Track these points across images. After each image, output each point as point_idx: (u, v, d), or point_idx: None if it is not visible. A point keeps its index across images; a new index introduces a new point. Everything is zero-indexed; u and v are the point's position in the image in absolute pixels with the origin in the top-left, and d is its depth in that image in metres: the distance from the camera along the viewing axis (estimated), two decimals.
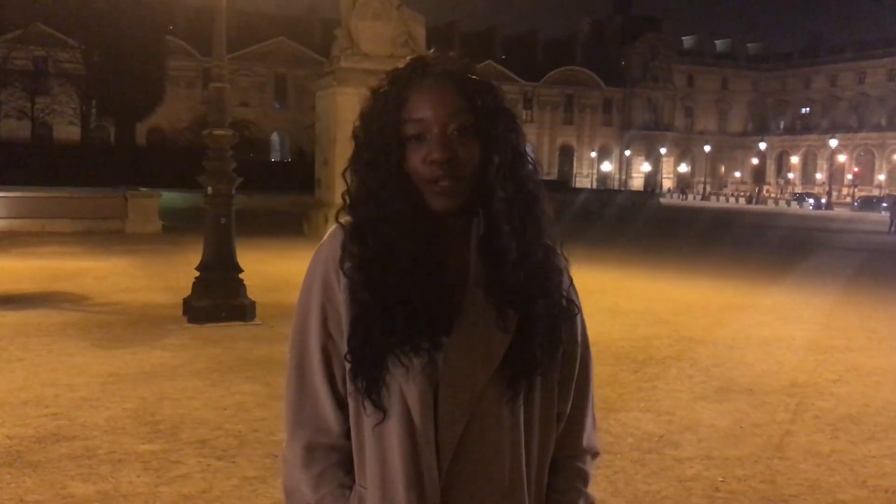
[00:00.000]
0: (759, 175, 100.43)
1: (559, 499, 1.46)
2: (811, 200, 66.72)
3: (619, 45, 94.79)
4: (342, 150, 17.14)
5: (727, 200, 77.78)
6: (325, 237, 1.42)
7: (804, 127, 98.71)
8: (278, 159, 69.78)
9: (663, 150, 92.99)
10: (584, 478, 1.50)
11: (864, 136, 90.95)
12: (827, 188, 74.27)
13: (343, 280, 1.34)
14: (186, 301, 8.95)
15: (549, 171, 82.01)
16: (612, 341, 8.33)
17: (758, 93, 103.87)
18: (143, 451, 4.79)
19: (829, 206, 63.48)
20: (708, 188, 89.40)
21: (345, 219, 1.38)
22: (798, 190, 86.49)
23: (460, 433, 1.30)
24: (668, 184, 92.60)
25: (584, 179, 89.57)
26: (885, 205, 52.16)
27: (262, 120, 70.42)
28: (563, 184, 65.77)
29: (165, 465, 4.56)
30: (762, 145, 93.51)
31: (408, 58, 1.38)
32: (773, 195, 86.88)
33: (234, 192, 9.16)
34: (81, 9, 41.71)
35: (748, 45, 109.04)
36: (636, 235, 25.16)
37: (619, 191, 67.01)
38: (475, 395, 1.31)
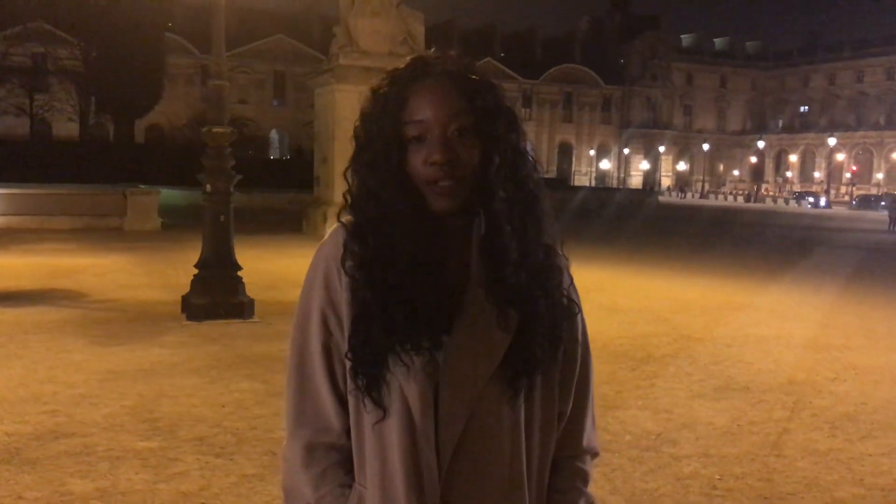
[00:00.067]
0: (757, 173, 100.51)
1: (560, 499, 1.46)
2: (811, 199, 66.74)
3: (618, 43, 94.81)
4: (341, 148, 17.16)
5: (725, 199, 77.86)
6: (326, 236, 1.43)
7: (803, 125, 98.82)
8: (277, 157, 69.72)
9: (662, 149, 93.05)
10: (584, 478, 1.50)
11: (862, 135, 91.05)
12: (825, 187, 74.36)
13: (344, 278, 1.35)
14: (185, 298, 8.95)
15: (548, 169, 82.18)
16: (610, 339, 8.33)
17: (756, 91, 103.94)
18: (141, 448, 4.79)
19: (827, 204, 63.53)
20: (706, 186, 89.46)
21: (346, 218, 1.39)
22: (797, 188, 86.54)
23: (460, 432, 1.30)
24: (666, 182, 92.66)
25: (582, 177, 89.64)
26: (883, 203, 52.23)
27: (261, 117, 70.36)
28: (561, 182, 65.79)
29: (164, 463, 4.57)
30: (761, 144, 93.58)
31: (408, 58, 1.38)
32: (771, 194, 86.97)
33: (232, 189, 9.15)
34: (80, 6, 41.69)
35: (747, 43, 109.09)
36: (635, 233, 25.18)
37: (617, 189, 67.03)
38: (475, 394, 1.31)
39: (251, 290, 9.16)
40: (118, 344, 7.49)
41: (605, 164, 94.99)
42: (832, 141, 71.37)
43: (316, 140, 20.88)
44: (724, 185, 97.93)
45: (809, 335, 9.30)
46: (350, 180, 1.38)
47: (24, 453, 4.63)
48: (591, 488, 1.52)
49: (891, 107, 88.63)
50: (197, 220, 11.01)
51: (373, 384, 1.31)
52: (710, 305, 11.31)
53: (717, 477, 4.71)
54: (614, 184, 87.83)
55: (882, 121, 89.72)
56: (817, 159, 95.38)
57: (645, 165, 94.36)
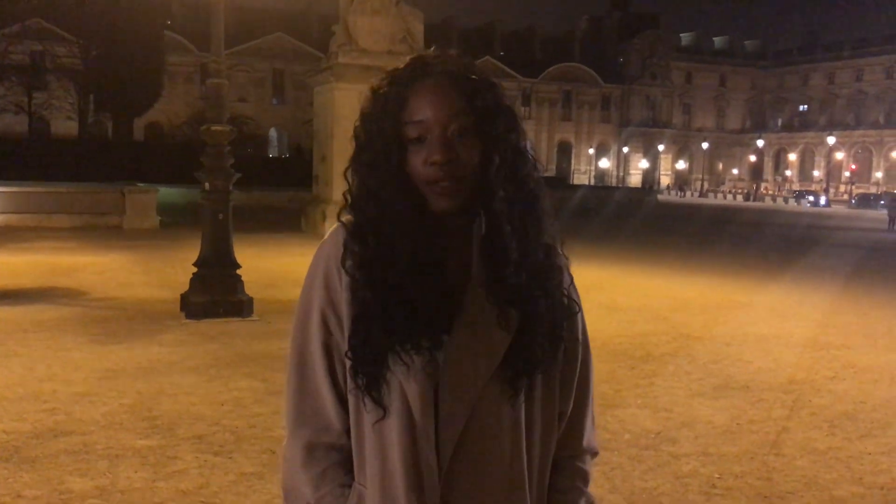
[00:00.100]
0: (756, 172, 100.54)
1: (560, 498, 1.46)
2: (811, 198, 66.75)
3: (618, 41, 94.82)
4: (340, 146, 17.15)
5: (725, 197, 77.90)
6: (326, 235, 1.43)
7: (802, 124, 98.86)
8: (276, 155, 69.70)
9: (661, 147, 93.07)
10: (584, 477, 1.50)
11: (861, 134, 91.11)
12: (824, 185, 74.38)
13: (345, 278, 1.35)
14: (184, 297, 8.95)
15: (547, 168, 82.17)
16: (609, 338, 8.34)
17: (756, 90, 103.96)
18: (140, 446, 4.79)
19: (826, 203, 63.54)
20: (705, 185, 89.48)
21: (346, 217, 1.38)
22: (796, 187, 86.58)
23: (460, 430, 1.30)
24: (665, 181, 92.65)
25: (581, 176, 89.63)
26: (883, 202, 52.23)
27: (260, 115, 70.35)
28: (560, 180, 65.80)
29: (163, 461, 4.56)
30: (760, 142, 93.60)
31: (407, 57, 1.38)
32: (770, 192, 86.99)
33: (231, 187, 9.15)
34: (79, 4, 41.68)
35: (746, 42, 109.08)
36: (634, 232, 25.18)
37: (616, 187, 67.02)
38: (476, 394, 1.31)
39: (250, 289, 9.16)
40: (117, 342, 7.49)
41: (605, 163, 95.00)
42: (831, 140, 71.39)
43: (315, 138, 20.88)
44: (723, 183, 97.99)
45: (809, 334, 9.30)
46: (350, 180, 1.37)
47: (23, 452, 4.63)
48: (591, 487, 1.52)
49: (890, 106, 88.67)
50: (196, 218, 11.01)
51: (373, 383, 1.31)
52: (709, 304, 11.31)
53: (717, 475, 4.71)
54: (613, 182, 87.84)
55: (881, 119, 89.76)
56: (816, 158, 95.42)
57: (644, 164, 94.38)
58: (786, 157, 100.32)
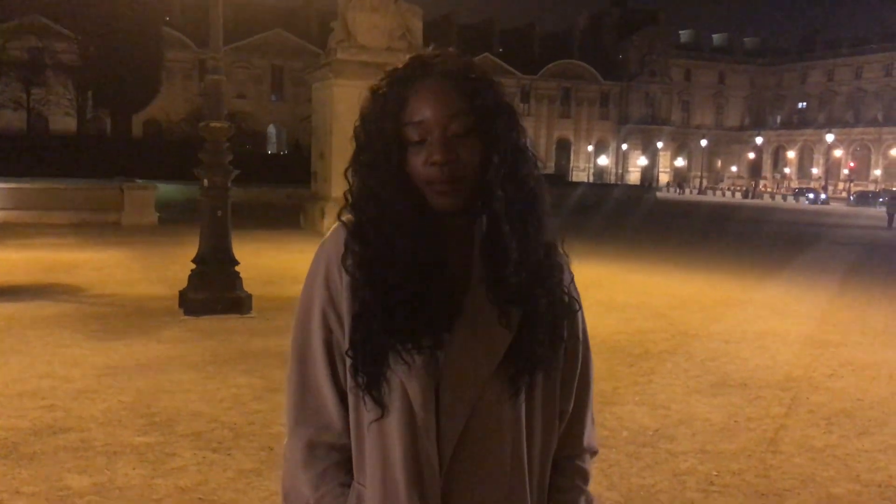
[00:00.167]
0: (755, 170, 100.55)
1: (561, 497, 1.47)
2: (811, 195, 66.75)
3: (617, 38, 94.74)
4: (338, 143, 17.13)
5: (723, 195, 77.91)
6: (327, 234, 1.43)
7: (801, 122, 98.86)
8: (275, 152, 69.69)
9: (660, 145, 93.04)
10: (584, 476, 1.51)
11: (860, 132, 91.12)
12: (823, 183, 74.39)
13: (345, 277, 1.35)
14: (183, 293, 8.94)
15: (546, 165, 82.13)
16: (608, 335, 8.34)
17: (754, 87, 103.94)
18: (138, 443, 4.79)
19: (825, 200, 63.54)
20: (704, 183, 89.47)
21: (346, 217, 1.38)
22: (794, 185, 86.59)
23: (461, 428, 1.31)
24: (664, 178, 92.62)
25: (580, 173, 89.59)
26: (882, 200, 52.22)
27: (259, 112, 70.32)
28: (559, 177, 65.86)
29: (161, 458, 4.57)
30: (759, 140, 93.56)
31: (407, 56, 1.37)
32: (769, 190, 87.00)
33: (230, 184, 9.14)
34: (78, 0, 41.52)
35: (745, 39, 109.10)
36: (633, 230, 25.20)
37: (615, 185, 67.02)
38: (477, 392, 1.31)
39: (249, 286, 9.16)
40: (116, 339, 7.49)
41: (604, 160, 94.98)
42: (830, 137, 71.38)
43: (313, 135, 20.85)
44: (721, 181, 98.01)
45: (806, 332, 9.32)
46: (350, 180, 1.37)
47: (21, 448, 4.63)
48: (589, 485, 1.53)
49: (889, 103, 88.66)
50: (194, 214, 11.00)
51: (373, 382, 1.31)
52: (707, 302, 11.32)
53: (714, 473, 4.72)
54: (612, 180, 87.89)
55: (880, 117, 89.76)
56: (815, 156, 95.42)
57: (643, 161, 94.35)
58: (784, 155, 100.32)
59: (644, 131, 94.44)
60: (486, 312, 1.33)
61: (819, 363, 7.73)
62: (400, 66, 1.35)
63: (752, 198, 73.28)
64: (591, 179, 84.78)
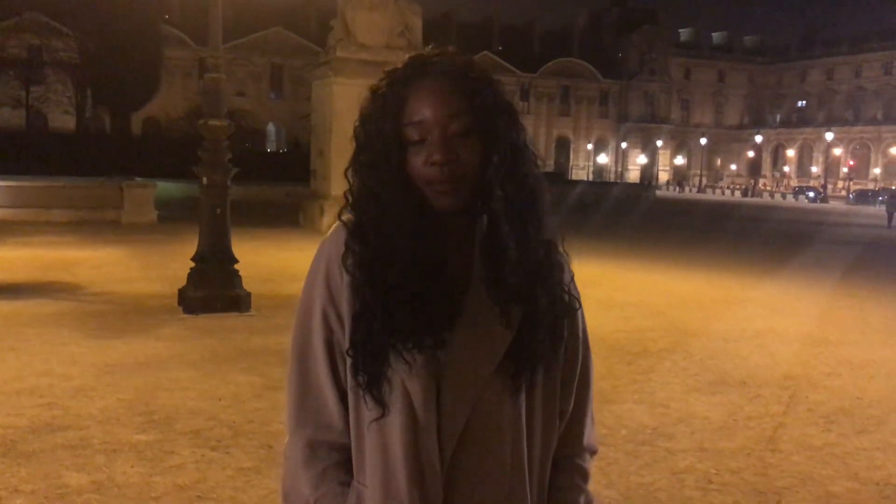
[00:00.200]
0: (754, 168, 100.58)
1: (561, 496, 1.47)
2: (811, 193, 66.75)
3: (616, 37, 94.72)
4: (338, 141, 17.13)
5: (723, 193, 77.88)
6: (328, 233, 1.43)
7: (800, 120, 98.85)
8: (274, 150, 69.63)
9: (659, 143, 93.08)
10: (584, 475, 1.51)
11: (859, 130, 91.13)
12: (822, 181, 74.40)
13: (346, 277, 1.35)
14: (182, 291, 8.94)
15: (546, 164, 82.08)
16: (606, 333, 8.34)
17: (754, 86, 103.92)
18: (137, 441, 4.79)
19: (824, 199, 63.55)
20: (704, 181, 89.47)
21: (346, 216, 1.38)
22: (794, 183, 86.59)
23: (462, 426, 1.31)
24: (664, 176, 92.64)
25: (580, 171, 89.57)
26: (881, 198, 52.21)
27: (258, 110, 70.26)
28: (559, 176, 65.85)
29: (160, 456, 4.57)
30: (758, 138, 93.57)
31: (406, 56, 1.37)
32: (768, 188, 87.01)
33: (229, 182, 9.14)
34: None
35: (745, 38, 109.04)
36: (632, 228, 25.20)
37: (615, 183, 67.04)
38: (478, 390, 1.32)
39: (248, 284, 9.15)
40: (114, 337, 7.49)
41: (603, 159, 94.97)
42: (829, 136, 71.45)
43: (313, 133, 20.83)
44: (721, 179, 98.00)
45: (805, 330, 9.32)
46: (351, 180, 1.37)
47: (20, 446, 4.63)
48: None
49: (888, 102, 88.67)
50: (194, 212, 10.99)
51: (374, 381, 1.31)
52: (706, 300, 11.33)
53: (713, 471, 4.72)
54: (612, 178, 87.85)
55: (879, 116, 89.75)
56: (814, 154, 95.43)
57: (642, 160, 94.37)
58: (784, 153, 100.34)
59: (643, 130, 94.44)
60: (487, 312, 1.33)
61: (818, 361, 7.74)
62: (399, 65, 1.35)
63: (752, 196, 73.29)
64: (591, 178, 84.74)
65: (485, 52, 75.06)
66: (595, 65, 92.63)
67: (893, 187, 62.14)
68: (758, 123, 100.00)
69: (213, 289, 8.79)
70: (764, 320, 9.82)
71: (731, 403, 6.18)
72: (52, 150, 34.93)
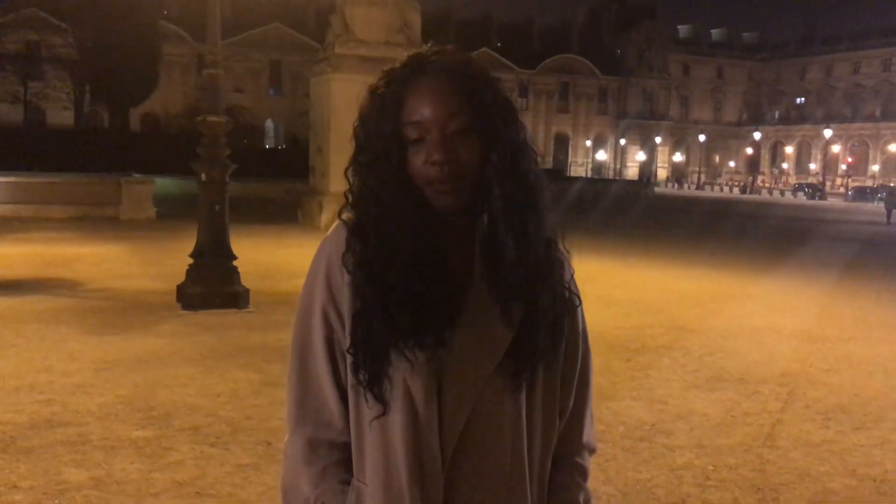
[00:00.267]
0: (753, 165, 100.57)
1: (560, 494, 1.47)
2: (808, 190, 66.75)
3: (615, 33, 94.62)
4: (336, 138, 17.11)
5: (721, 190, 77.90)
6: (328, 232, 1.43)
7: (799, 117, 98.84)
8: (272, 146, 69.53)
9: (658, 140, 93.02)
10: (583, 473, 1.51)
11: (858, 127, 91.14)
12: (821, 178, 74.43)
13: (346, 275, 1.35)
14: (180, 288, 8.94)
15: (544, 160, 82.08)
16: (605, 330, 8.35)
17: (753, 82, 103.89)
18: (136, 437, 4.79)
19: (822, 196, 63.57)
20: (702, 178, 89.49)
21: (346, 215, 1.38)
22: (792, 180, 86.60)
23: (463, 424, 1.31)
24: (663, 173, 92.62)
25: (579, 168, 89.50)
26: (880, 195, 52.21)
27: (257, 106, 70.11)
28: (557, 173, 65.75)
29: (158, 452, 4.57)
30: (757, 135, 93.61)
31: (405, 55, 1.37)
32: (767, 185, 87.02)
33: (227, 178, 9.13)
34: None
35: (743, 34, 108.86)
36: (630, 225, 25.21)
37: (613, 180, 67.05)
38: (478, 388, 1.32)
39: (246, 280, 9.15)
40: (113, 333, 7.49)
41: (602, 155, 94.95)
42: (828, 132, 71.49)
43: (311, 130, 20.80)
44: (719, 176, 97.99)
45: (804, 326, 9.33)
46: (351, 180, 1.37)
47: (19, 442, 4.64)
48: None
49: (887, 99, 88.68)
50: (192, 209, 10.98)
51: (375, 379, 1.31)
52: (704, 297, 11.34)
53: (711, 467, 4.73)
54: (610, 175, 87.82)
55: (878, 113, 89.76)
56: (813, 151, 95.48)
57: (641, 156, 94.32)
58: (782, 150, 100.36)
59: (642, 126, 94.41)
60: (488, 311, 1.33)
61: (816, 358, 7.75)
62: (398, 64, 1.35)
63: (750, 193, 73.32)
64: (590, 174, 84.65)
65: (484, 48, 74.97)
66: (594, 61, 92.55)
67: (892, 184, 62.14)
68: (756, 120, 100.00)
69: (212, 285, 8.79)
70: (762, 317, 9.83)
71: (729, 400, 6.19)
72: (51, 147, 34.84)
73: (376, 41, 18.35)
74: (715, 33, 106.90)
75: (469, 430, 1.32)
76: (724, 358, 7.58)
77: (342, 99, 16.93)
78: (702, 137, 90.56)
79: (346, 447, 1.40)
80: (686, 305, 10.50)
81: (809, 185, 71.12)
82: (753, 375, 6.95)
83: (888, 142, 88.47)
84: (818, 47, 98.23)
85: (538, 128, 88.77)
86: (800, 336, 8.78)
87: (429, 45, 1.39)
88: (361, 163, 1.35)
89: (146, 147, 37.92)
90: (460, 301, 1.33)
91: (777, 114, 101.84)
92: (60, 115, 51.89)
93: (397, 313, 1.29)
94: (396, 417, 1.31)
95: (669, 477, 4.56)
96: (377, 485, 1.34)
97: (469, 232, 1.36)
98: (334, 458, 1.40)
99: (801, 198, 63.75)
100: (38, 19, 45.31)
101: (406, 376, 1.30)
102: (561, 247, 1.43)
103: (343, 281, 1.36)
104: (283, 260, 12.34)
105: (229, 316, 8.46)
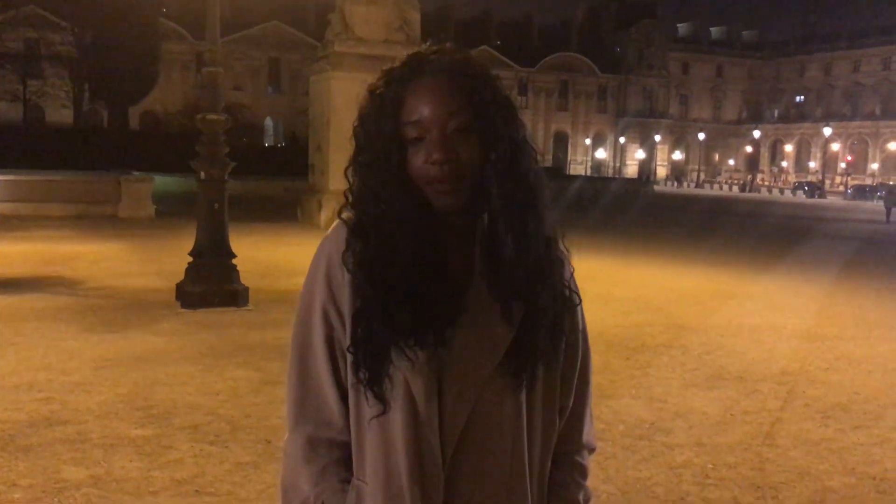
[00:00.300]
0: (752, 163, 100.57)
1: (560, 492, 1.47)
2: (809, 189, 66.72)
3: (615, 31, 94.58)
4: (336, 136, 17.10)
5: (721, 188, 77.91)
6: (328, 231, 1.43)
7: (798, 115, 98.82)
8: (272, 144, 69.49)
9: (658, 138, 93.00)
10: (582, 472, 1.52)
11: (857, 125, 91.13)
12: (820, 177, 74.44)
13: (346, 275, 1.35)
14: (179, 286, 8.93)
15: (544, 159, 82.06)
16: (604, 328, 8.35)
17: (752, 81, 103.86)
18: (135, 435, 4.79)
19: (822, 194, 63.58)
20: (702, 176, 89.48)
21: (346, 214, 1.38)
22: (791, 178, 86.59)
23: (463, 423, 1.31)
24: (662, 171, 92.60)
25: (578, 167, 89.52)
26: (880, 194, 52.19)
27: (256, 104, 70.04)
28: (557, 171, 65.80)
29: (158, 450, 4.57)
30: (756, 133, 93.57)
31: (404, 53, 1.36)
32: (766, 183, 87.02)
33: (227, 177, 9.13)
34: None
35: (743, 32, 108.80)
36: (630, 223, 25.21)
37: (613, 178, 67.03)
38: (479, 387, 1.32)
39: (246, 279, 9.15)
40: (112, 331, 7.48)
41: (601, 154, 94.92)
42: (827, 131, 71.42)
43: (311, 128, 20.80)
44: (719, 174, 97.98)
45: (803, 325, 9.33)
46: (351, 179, 1.37)
47: (18, 440, 4.63)
48: None
49: (886, 97, 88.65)
50: (191, 207, 10.98)
51: (375, 378, 1.31)
52: (703, 295, 11.34)
53: (710, 466, 4.73)
54: (610, 173, 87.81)
55: (877, 111, 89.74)
56: (812, 149, 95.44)
57: (641, 155, 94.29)
58: (782, 148, 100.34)
59: (642, 124, 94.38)
60: (488, 310, 1.33)
61: (815, 357, 7.75)
62: (397, 64, 1.35)
63: (750, 191, 73.31)
64: (589, 173, 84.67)
65: (483, 46, 74.88)
66: (593, 59, 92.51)
67: (891, 182, 62.12)
68: (756, 118, 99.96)
69: (211, 283, 8.79)
70: (762, 316, 9.84)
71: (728, 398, 6.19)
72: (50, 145, 34.85)
73: (376, 39, 18.34)
74: (714, 31, 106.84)
75: (469, 430, 1.32)
76: (724, 356, 7.58)
77: (342, 97, 16.92)
78: (701, 136, 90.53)
79: (346, 446, 1.40)
80: (685, 304, 10.50)
81: (809, 184, 71.08)
82: (753, 374, 6.96)
83: (887, 140, 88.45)
84: (818, 45, 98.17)
85: (537, 126, 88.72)
86: (799, 335, 8.78)
87: (428, 43, 1.39)
88: (361, 163, 1.34)
89: (145, 145, 37.92)
90: (460, 300, 1.33)
91: (776, 112, 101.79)
92: (60, 114, 51.88)
93: (397, 313, 1.28)
94: (397, 416, 1.31)
95: (669, 475, 4.56)
96: (377, 483, 1.33)
97: (469, 231, 1.36)
98: (334, 456, 1.40)
99: (801, 196, 63.74)
100: (37, 17, 45.29)
101: (407, 375, 1.30)
102: (561, 245, 1.43)
103: (343, 280, 1.35)
104: (283, 258, 12.34)
105: (228, 314, 8.46)
